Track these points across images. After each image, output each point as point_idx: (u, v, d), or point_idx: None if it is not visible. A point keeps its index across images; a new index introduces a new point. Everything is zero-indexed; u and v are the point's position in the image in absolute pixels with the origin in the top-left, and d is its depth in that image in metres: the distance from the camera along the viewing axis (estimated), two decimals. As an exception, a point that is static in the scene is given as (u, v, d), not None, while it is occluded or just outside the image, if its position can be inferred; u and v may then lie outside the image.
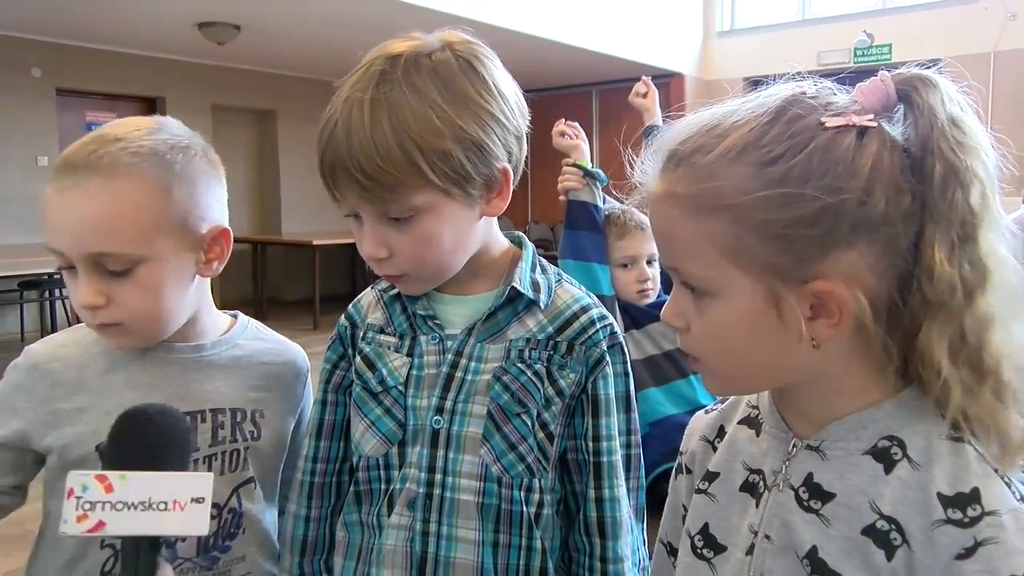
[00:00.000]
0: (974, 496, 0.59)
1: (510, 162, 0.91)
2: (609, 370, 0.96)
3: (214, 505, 0.97)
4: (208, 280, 1.03)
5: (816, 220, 0.60)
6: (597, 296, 1.00)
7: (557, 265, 1.09)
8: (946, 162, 0.61)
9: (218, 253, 0.99)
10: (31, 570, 1.00)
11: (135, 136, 0.93)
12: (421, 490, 0.93)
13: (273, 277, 8.79)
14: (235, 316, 1.11)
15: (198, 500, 0.76)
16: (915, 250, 0.62)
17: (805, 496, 0.67)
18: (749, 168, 0.61)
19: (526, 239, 1.03)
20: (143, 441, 0.79)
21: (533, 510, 0.93)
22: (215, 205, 0.99)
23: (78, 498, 0.75)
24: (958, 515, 0.59)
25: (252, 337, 1.10)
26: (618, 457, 0.96)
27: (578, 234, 1.82)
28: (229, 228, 1.01)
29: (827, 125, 0.61)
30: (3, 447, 0.95)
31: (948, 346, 0.61)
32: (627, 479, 0.98)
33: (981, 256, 0.61)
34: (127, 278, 0.91)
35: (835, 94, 0.65)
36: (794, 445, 0.69)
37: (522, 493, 0.93)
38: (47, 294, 6.48)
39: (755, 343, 0.65)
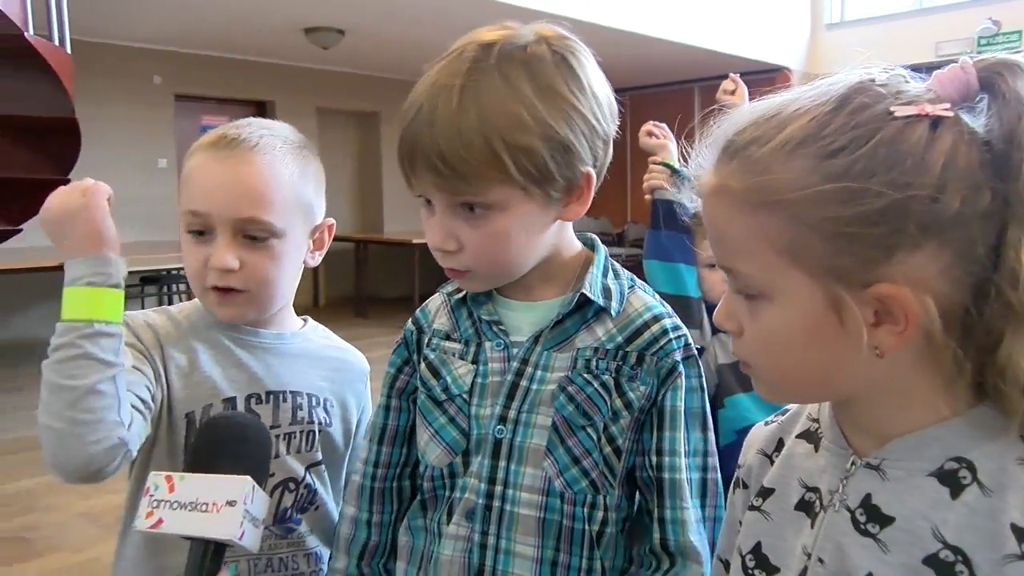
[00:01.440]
0: None
1: (594, 166, 0.87)
2: (681, 383, 0.90)
3: (291, 479, 1.05)
4: (300, 274, 1.11)
5: (881, 218, 0.55)
6: (683, 298, 0.95)
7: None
8: None
9: (320, 244, 1.11)
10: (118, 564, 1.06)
11: (272, 127, 1.05)
12: (480, 501, 0.90)
13: (374, 275, 9.00)
14: (305, 320, 1.18)
15: (231, 503, 0.76)
16: (995, 254, 0.56)
17: (862, 518, 0.62)
18: (808, 161, 0.57)
19: (598, 241, 0.98)
20: (222, 445, 0.82)
21: (596, 528, 0.90)
22: (323, 203, 1.10)
23: (150, 496, 0.78)
24: None
25: (321, 336, 1.17)
26: (684, 476, 0.89)
27: (663, 234, 1.77)
28: (333, 222, 1.12)
29: (896, 115, 0.56)
30: (137, 370, 0.98)
31: None
32: (701, 506, 0.91)
33: None
34: (261, 248, 1.00)
35: (907, 82, 0.60)
36: (852, 463, 0.64)
37: (585, 510, 0.89)
38: (165, 288, 6.88)
39: (812, 351, 0.61)
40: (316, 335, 1.16)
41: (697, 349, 0.95)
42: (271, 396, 1.06)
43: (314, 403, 1.09)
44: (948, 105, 0.57)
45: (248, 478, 0.77)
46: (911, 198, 0.55)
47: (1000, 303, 0.56)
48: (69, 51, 3.13)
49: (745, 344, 0.65)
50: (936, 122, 0.56)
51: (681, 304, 1.59)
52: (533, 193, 0.83)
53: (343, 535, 1.01)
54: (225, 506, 0.76)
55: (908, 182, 0.55)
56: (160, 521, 0.76)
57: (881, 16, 9.27)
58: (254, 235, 0.99)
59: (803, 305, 0.59)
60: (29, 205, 3.19)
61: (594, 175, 0.87)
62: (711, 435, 0.93)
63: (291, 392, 1.07)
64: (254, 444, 0.83)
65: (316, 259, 1.11)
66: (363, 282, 8.72)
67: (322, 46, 7.28)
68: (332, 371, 1.13)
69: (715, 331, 1.68)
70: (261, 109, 8.75)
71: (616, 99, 0.90)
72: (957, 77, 0.58)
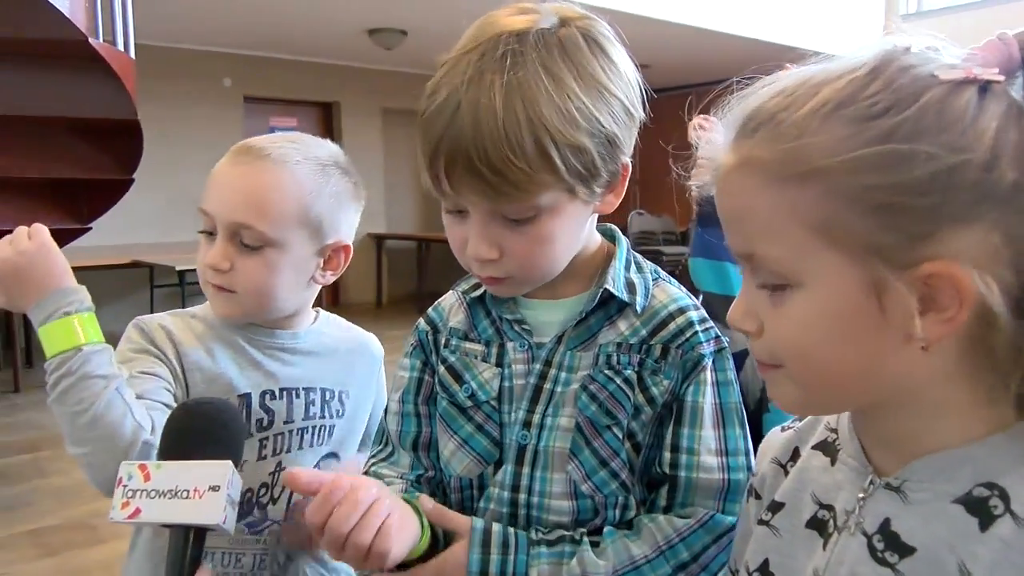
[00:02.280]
0: None
1: (631, 156, 0.83)
2: (706, 376, 0.84)
3: None
4: (317, 289, 1.11)
5: (930, 186, 0.49)
6: (730, 298, 0.88)
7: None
8: None
9: (334, 266, 1.09)
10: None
11: (309, 144, 1.06)
12: (505, 510, 0.86)
13: (436, 274, 9.06)
14: (317, 312, 1.18)
15: (214, 488, 0.75)
16: None
17: (880, 545, 0.56)
18: (847, 124, 0.51)
19: (619, 233, 0.93)
20: (198, 431, 0.80)
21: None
22: (346, 224, 1.08)
23: (124, 486, 0.76)
24: None
25: (335, 328, 1.18)
26: (698, 475, 0.83)
27: (711, 231, 1.71)
28: (350, 246, 1.10)
29: (942, 77, 0.50)
30: (153, 375, 1.00)
31: None
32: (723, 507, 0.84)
33: None
34: (254, 254, 1.00)
35: (939, 52, 0.54)
36: (871, 482, 0.58)
37: (617, 512, 0.85)
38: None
39: (848, 344, 0.54)
40: (329, 328, 1.16)
41: (742, 351, 0.90)
42: (284, 393, 1.06)
43: (328, 397, 1.10)
44: (997, 69, 0.51)
45: (228, 462, 0.76)
46: (964, 163, 0.49)
47: None
48: (133, 55, 3.23)
49: (768, 343, 0.57)
50: (984, 88, 0.51)
51: (727, 304, 1.53)
52: (579, 192, 0.78)
53: (390, 428, 0.96)
54: (208, 491, 0.75)
55: (961, 146, 0.49)
56: (137, 511, 0.75)
57: (961, 5, 8.87)
58: (247, 242, 1.00)
59: (839, 290, 0.52)
60: (97, 204, 3.33)
61: (630, 166, 0.83)
62: (741, 431, 0.86)
63: (304, 389, 1.08)
64: (229, 427, 0.82)
65: (328, 279, 1.09)
66: (425, 281, 8.78)
67: (385, 47, 7.35)
68: (346, 361, 1.14)
69: None
70: (327, 110, 8.91)
71: (643, 88, 0.84)
72: (998, 48, 0.53)
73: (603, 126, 0.76)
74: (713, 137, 0.59)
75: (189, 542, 0.75)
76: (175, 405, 0.97)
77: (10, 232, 0.96)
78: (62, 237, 3.44)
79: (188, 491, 0.75)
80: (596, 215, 0.88)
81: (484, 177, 0.73)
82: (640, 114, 0.82)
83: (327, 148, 1.08)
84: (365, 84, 8.84)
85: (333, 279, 1.10)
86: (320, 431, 1.09)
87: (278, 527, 1.05)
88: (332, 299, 8.64)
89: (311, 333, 1.13)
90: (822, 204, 0.51)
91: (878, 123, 0.50)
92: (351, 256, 1.10)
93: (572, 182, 0.76)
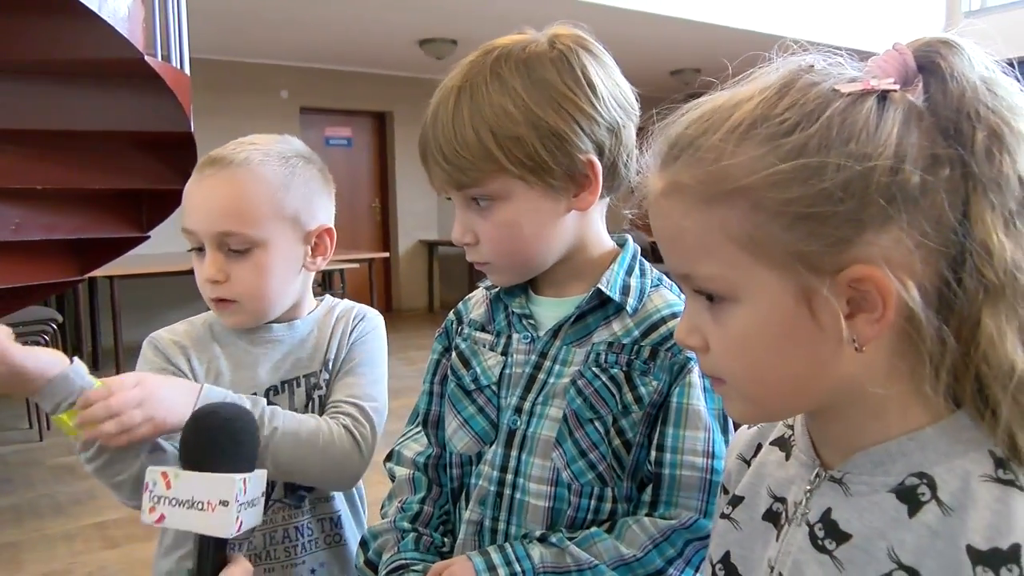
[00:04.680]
0: (1013, 555, 0.49)
1: (601, 155, 0.88)
2: (693, 380, 0.89)
3: None
4: (312, 275, 1.15)
5: (844, 194, 0.52)
6: None
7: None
8: (987, 126, 0.52)
9: (322, 251, 1.13)
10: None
11: (267, 142, 1.10)
12: (492, 488, 0.93)
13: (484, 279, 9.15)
14: (323, 298, 1.23)
15: (224, 503, 0.78)
16: (965, 227, 0.52)
17: (820, 534, 0.59)
18: (761, 143, 0.54)
19: (630, 240, 0.98)
20: (206, 442, 0.84)
21: (604, 519, 0.90)
22: (323, 210, 1.13)
23: (150, 492, 0.81)
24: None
25: (335, 308, 1.20)
26: (680, 473, 0.88)
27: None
28: (333, 228, 1.14)
29: (843, 91, 0.54)
30: None
31: (1019, 333, 0.52)
32: (702, 502, 0.88)
33: None
34: (244, 259, 1.05)
35: (844, 66, 0.57)
36: (817, 475, 0.61)
37: (592, 502, 0.90)
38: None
39: (787, 352, 0.56)
40: (328, 311, 1.19)
41: None
42: (286, 385, 1.11)
43: (329, 369, 1.13)
44: (893, 79, 0.55)
45: (235, 476, 0.79)
46: (871, 170, 0.52)
47: (976, 279, 0.52)
48: (188, 71, 3.38)
49: (714, 358, 0.60)
50: (883, 97, 0.54)
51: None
52: (532, 182, 0.86)
53: (392, 512, 1.03)
54: (219, 506, 0.78)
55: (866, 153, 0.52)
56: (162, 517, 0.80)
57: (1026, 0, 8.60)
58: (235, 247, 1.04)
59: (772, 302, 0.55)
60: (155, 213, 3.49)
61: (599, 164, 0.88)
62: (725, 436, 0.90)
63: (304, 376, 1.12)
64: (236, 436, 0.84)
65: (319, 264, 1.13)
66: (476, 286, 8.87)
67: (436, 56, 7.47)
68: (344, 333, 1.16)
69: None
70: (380, 120, 9.07)
71: (635, 92, 0.91)
72: (894, 59, 0.56)
73: (545, 121, 0.84)
74: (644, 165, 0.63)
75: (212, 546, 0.80)
76: None
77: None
78: (123, 245, 3.63)
79: (203, 503, 0.79)
80: (595, 218, 0.94)
81: (443, 167, 0.87)
82: (614, 118, 0.88)
83: (287, 142, 1.12)
84: (417, 93, 8.87)
85: (324, 263, 1.14)
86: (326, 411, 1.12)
87: (280, 505, 1.10)
88: (385, 305, 8.79)
89: (307, 322, 1.16)
90: (746, 220, 0.54)
91: (789, 140, 0.53)
92: (335, 239, 1.14)
93: (518, 171, 0.85)
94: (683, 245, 0.59)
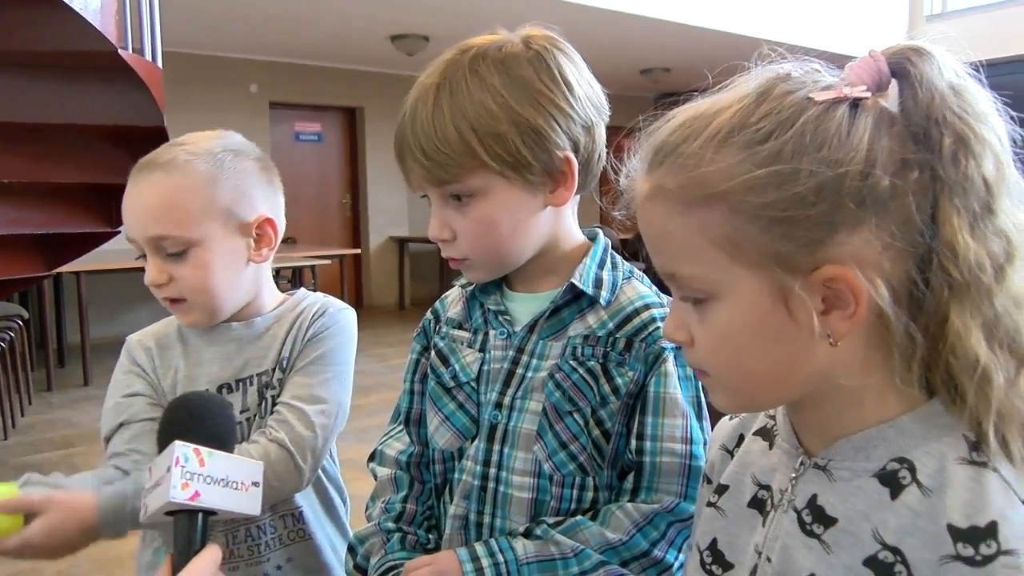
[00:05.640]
0: (990, 531, 0.52)
1: (577, 152, 0.90)
2: (668, 368, 0.92)
3: None
4: (267, 268, 1.15)
5: (816, 198, 0.55)
6: None
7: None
8: (954, 132, 0.56)
9: (267, 242, 1.12)
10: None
11: (196, 140, 1.10)
12: (476, 483, 0.95)
13: (458, 276, 9.15)
14: (293, 294, 1.22)
15: (256, 484, 0.82)
16: (932, 229, 0.56)
17: (808, 519, 0.62)
18: (738, 150, 0.57)
19: (601, 234, 1.01)
20: (201, 423, 0.86)
21: (587, 507, 0.92)
22: (262, 200, 1.12)
23: (182, 467, 0.79)
24: (969, 551, 0.52)
25: (300, 303, 1.18)
26: (660, 459, 0.90)
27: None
28: (274, 218, 1.12)
29: (816, 99, 0.57)
30: (139, 395, 1.12)
31: (983, 329, 0.55)
32: (681, 487, 0.91)
33: (1003, 228, 0.55)
34: (184, 259, 1.05)
35: (821, 73, 0.60)
36: (802, 463, 0.64)
37: (574, 491, 0.92)
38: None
39: (765, 347, 0.60)
40: (293, 307, 1.18)
41: None
42: (240, 383, 1.12)
43: (284, 368, 1.12)
44: (865, 87, 0.58)
45: (262, 463, 0.84)
46: (843, 175, 0.55)
47: (943, 276, 0.56)
48: (160, 65, 3.34)
49: (698, 352, 0.63)
50: (855, 104, 0.57)
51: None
52: (511, 178, 0.88)
53: (376, 514, 1.04)
54: (251, 486, 0.82)
55: (837, 159, 0.55)
56: (197, 494, 0.79)
57: (987, 5, 8.80)
58: (171, 250, 1.05)
59: (751, 300, 0.58)
60: (126, 208, 3.44)
61: (575, 160, 0.90)
62: (699, 423, 0.93)
63: (257, 374, 1.12)
64: (215, 418, 0.88)
65: (265, 255, 1.12)
66: (447, 283, 8.80)
67: (408, 52, 7.45)
68: (300, 329, 1.14)
69: None
70: (351, 115, 9.03)
71: (606, 92, 0.94)
72: (868, 65, 0.59)
73: (524, 117, 0.86)
74: (631, 168, 0.66)
75: (197, 528, 0.80)
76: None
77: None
78: (92, 240, 3.57)
79: (237, 483, 0.81)
80: (567, 215, 0.97)
81: (422, 164, 0.88)
82: (588, 117, 0.91)
83: (222, 138, 1.11)
84: (388, 89, 8.94)
85: (271, 255, 1.13)
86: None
87: None
88: (356, 302, 8.75)
89: (268, 318, 1.16)
90: (725, 223, 0.57)
91: (765, 147, 0.56)
92: (280, 228, 1.13)
93: (499, 167, 0.87)
94: (667, 246, 0.62)
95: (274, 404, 1.10)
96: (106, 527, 0.97)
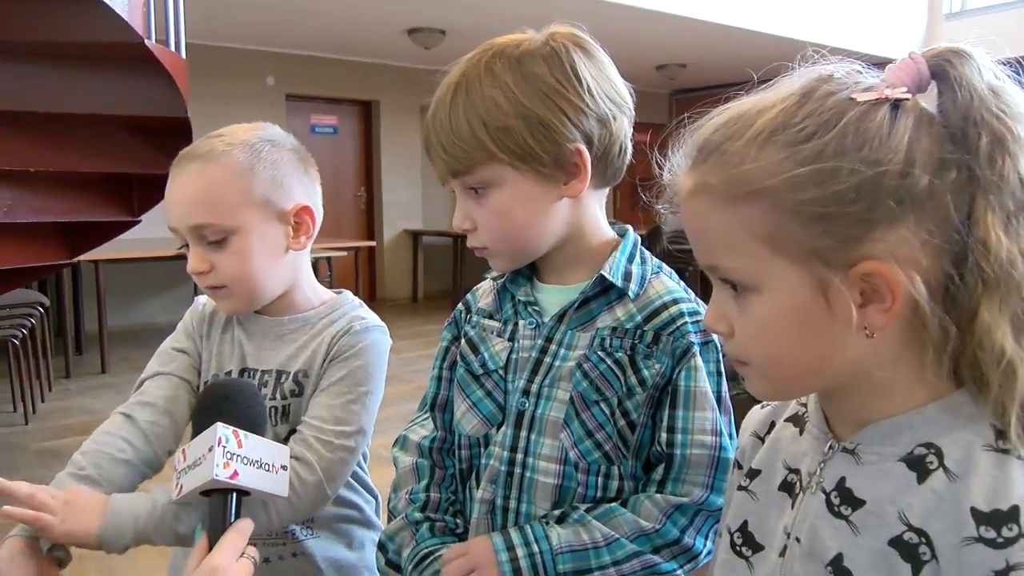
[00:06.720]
0: (1012, 515, 0.55)
1: (591, 145, 0.93)
2: (697, 363, 0.94)
3: None
4: (306, 258, 1.19)
5: (857, 196, 0.57)
6: None
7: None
8: (991, 131, 0.58)
9: (304, 230, 1.15)
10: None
11: (234, 131, 1.14)
12: (503, 468, 0.98)
13: (472, 269, 9.18)
14: (339, 293, 1.23)
15: (284, 467, 0.86)
16: (968, 226, 0.58)
17: (836, 501, 0.65)
18: (781, 149, 0.59)
19: (631, 230, 1.03)
20: (237, 408, 0.90)
21: (612, 496, 0.95)
22: (299, 188, 1.15)
23: (223, 447, 0.84)
24: (991, 534, 0.55)
25: (335, 311, 1.18)
26: (691, 452, 0.93)
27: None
28: (311, 206, 1.15)
29: (858, 100, 0.59)
30: (185, 352, 1.19)
31: (1010, 324, 0.58)
32: (708, 478, 0.93)
33: None
34: (224, 247, 1.09)
35: (861, 74, 0.63)
36: (831, 447, 0.67)
37: (599, 479, 0.95)
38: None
39: (804, 338, 0.62)
40: (328, 313, 1.18)
41: None
42: (244, 374, 1.16)
43: (283, 379, 1.14)
44: (905, 88, 0.60)
45: (287, 447, 0.87)
46: (883, 174, 0.57)
47: (976, 272, 0.58)
48: (184, 56, 3.38)
49: (738, 343, 0.66)
50: (896, 105, 0.59)
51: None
52: (523, 170, 0.92)
53: (401, 503, 1.06)
54: (280, 469, 0.86)
55: (878, 159, 0.57)
56: (236, 474, 0.83)
57: (1005, 3, 8.72)
58: (211, 238, 1.08)
59: (791, 292, 0.60)
60: (148, 198, 3.48)
61: (587, 152, 0.93)
62: (726, 417, 0.96)
63: (262, 371, 1.15)
64: (240, 403, 0.93)
65: (303, 243, 1.15)
66: (461, 276, 8.91)
67: (424, 46, 7.48)
68: (321, 343, 1.14)
69: None
70: (367, 108, 9.06)
71: (610, 92, 0.94)
72: (909, 67, 0.61)
73: (532, 111, 0.90)
74: (674, 164, 0.69)
75: (231, 508, 0.84)
76: (196, 378, 1.16)
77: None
78: (113, 229, 3.62)
79: (270, 465, 0.85)
80: (592, 208, 0.99)
81: (441, 157, 0.94)
82: (605, 110, 0.93)
83: (261, 129, 1.14)
84: (404, 82, 8.97)
85: (309, 243, 1.16)
86: (272, 412, 1.13)
87: None
88: (369, 294, 8.80)
89: (296, 321, 1.17)
90: (767, 219, 0.60)
91: (807, 146, 0.58)
92: (318, 216, 1.16)
93: (509, 159, 0.91)
94: (709, 240, 0.64)
95: (272, 411, 1.12)
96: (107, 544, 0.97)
